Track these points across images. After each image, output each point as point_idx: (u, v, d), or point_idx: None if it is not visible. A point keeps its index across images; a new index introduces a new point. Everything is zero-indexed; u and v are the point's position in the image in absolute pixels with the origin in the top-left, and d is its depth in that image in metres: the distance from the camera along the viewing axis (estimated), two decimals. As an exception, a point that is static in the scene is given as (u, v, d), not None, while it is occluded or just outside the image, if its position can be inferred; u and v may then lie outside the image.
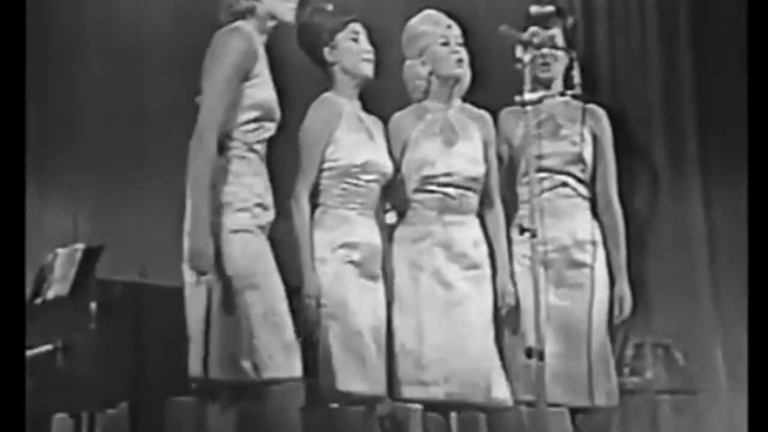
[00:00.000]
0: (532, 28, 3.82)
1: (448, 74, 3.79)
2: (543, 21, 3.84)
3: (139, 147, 5.76)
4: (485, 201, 3.82)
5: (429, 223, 3.73)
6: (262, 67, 3.35)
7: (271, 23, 3.42)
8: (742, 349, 5.61)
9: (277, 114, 3.40)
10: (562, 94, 3.87)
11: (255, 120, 3.32)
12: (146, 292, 4.19)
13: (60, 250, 4.33)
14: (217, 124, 3.22)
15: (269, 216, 3.35)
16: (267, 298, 3.23)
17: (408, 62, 3.83)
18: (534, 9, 3.89)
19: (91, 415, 4.36)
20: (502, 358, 3.72)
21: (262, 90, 3.34)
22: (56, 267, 4.26)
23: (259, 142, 3.35)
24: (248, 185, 3.28)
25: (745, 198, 5.63)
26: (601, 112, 3.91)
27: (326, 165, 3.63)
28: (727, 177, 5.87)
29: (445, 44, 3.78)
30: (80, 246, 4.25)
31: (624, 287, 3.83)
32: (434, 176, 3.73)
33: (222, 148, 3.25)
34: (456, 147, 3.76)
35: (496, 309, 3.75)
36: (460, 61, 3.79)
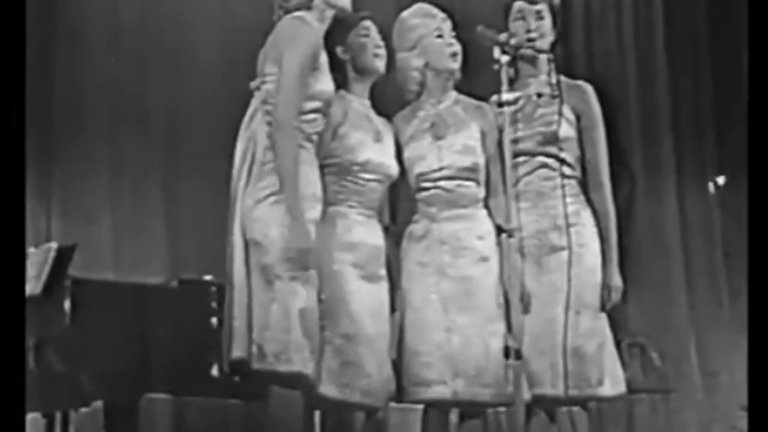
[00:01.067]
0: (512, 28, 3.80)
1: (443, 67, 3.77)
2: None
3: (116, 146, 5.72)
4: (490, 191, 3.74)
5: (431, 219, 3.70)
6: (324, 58, 3.42)
7: (329, 12, 3.48)
8: (715, 349, 5.70)
9: (331, 107, 3.46)
10: (539, 95, 3.85)
11: (314, 111, 3.38)
12: (121, 290, 4.16)
13: (32, 250, 4.29)
14: (296, 113, 3.30)
15: (319, 209, 3.39)
16: (308, 295, 3.27)
17: (401, 55, 3.80)
18: None
19: (64, 415, 4.33)
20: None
21: (323, 81, 3.40)
22: (29, 266, 4.22)
23: (315, 133, 3.42)
24: (304, 175, 3.32)
25: (717, 198, 5.75)
26: (587, 89, 3.83)
27: (327, 161, 3.59)
28: (701, 179, 5.92)
29: (440, 36, 3.77)
30: (53, 245, 4.20)
31: (613, 272, 3.72)
32: (427, 172, 3.70)
33: None
34: (446, 140, 3.73)
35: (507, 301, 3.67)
36: (454, 54, 3.78)
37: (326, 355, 3.41)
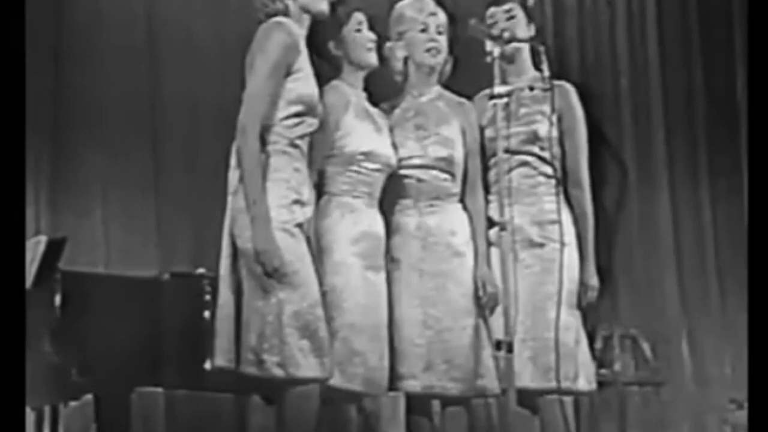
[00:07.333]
0: (500, 24, 3.82)
1: (421, 62, 3.81)
2: None
3: (107, 139, 5.71)
4: (467, 189, 3.79)
5: (405, 213, 3.73)
6: (303, 62, 3.42)
7: (306, 16, 3.47)
8: (707, 342, 5.71)
9: (320, 109, 3.46)
10: (531, 89, 3.86)
11: (297, 115, 3.38)
12: (112, 283, 4.17)
13: (22, 243, 4.27)
14: (259, 118, 3.29)
15: (307, 212, 3.39)
16: (301, 298, 3.27)
17: (388, 44, 3.85)
18: None
19: (54, 408, 4.31)
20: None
21: (303, 84, 3.40)
22: (19, 260, 4.20)
23: (301, 137, 3.40)
24: (285, 180, 3.32)
25: (708, 192, 5.75)
26: (568, 88, 3.88)
27: (333, 152, 3.61)
28: (693, 173, 5.92)
29: (423, 31, 3.79)
30: (43, 238, 4.19)
31: (590, 271, 3.79)
32: (405, 158, 3.74)
33: (263, 142, 3.31)
34: (426, 131, 3.77)
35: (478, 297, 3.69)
36: (435, 50, 3.79)
37: (335, 346, 3.42)
